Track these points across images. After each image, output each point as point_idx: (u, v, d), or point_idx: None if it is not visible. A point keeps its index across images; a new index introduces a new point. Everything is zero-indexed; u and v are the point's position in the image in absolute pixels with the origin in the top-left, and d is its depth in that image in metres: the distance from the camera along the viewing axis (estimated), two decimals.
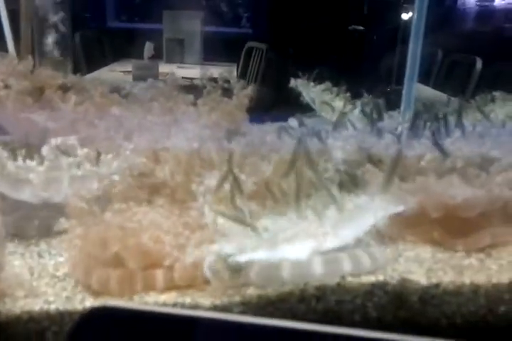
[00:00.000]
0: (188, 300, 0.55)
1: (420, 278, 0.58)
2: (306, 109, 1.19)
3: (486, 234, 0.65)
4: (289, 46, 3.84)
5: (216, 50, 3.22)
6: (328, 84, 1.19)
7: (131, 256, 0.56)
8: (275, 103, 2.57)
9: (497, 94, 1.03)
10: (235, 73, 2.88)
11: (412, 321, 0.57)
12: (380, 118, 0.89)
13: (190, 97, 0.92)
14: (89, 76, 2.35)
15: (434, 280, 0.58)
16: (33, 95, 0.95)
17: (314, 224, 0.57)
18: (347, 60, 3.68)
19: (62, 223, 0.55)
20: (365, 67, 3.08)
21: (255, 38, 3.55)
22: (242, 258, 0.53)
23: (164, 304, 0.55)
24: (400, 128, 0.89)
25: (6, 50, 1.21)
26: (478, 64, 2.57)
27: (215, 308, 0.55)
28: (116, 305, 0.40)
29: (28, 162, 0.64)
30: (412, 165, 0.73)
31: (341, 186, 0.66)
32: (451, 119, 0.86)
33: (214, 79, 0.94)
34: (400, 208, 0.57)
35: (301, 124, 0.97)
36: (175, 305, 0.55)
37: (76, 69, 1.59)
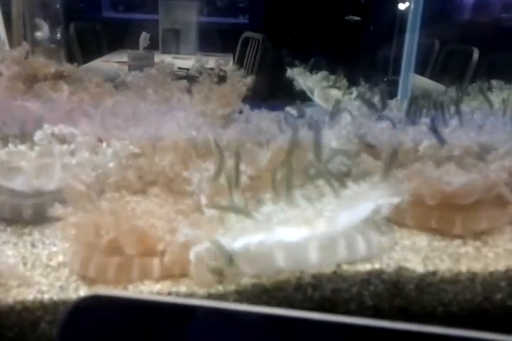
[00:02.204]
0: (183, 289, 0.55)
1: (417, 266, 0.58)
2: (302, 99, 1.18)
3: (483, 218, 0.64)
4: (286, 36, 3.82)
5: (212, 40, 3.19)
6: (324, 73, 1.18)
7: (126, 242, 0.55)
8: (272, 93, 2.56)
9: (494, 82, 1.02)
10: (231, 62, 2.86)
11: (409, 309, 0.57)
12: (384, 105, 0.88)
13: (185, 83, 0.91)
14: (84, 66, 2.33)
15: (430, 268, 0.57)
16: (25, 83, 0.93)
17: (309, 211, 0.56)
18: (344, 50, 3.66)
19: (57, 208, 0.55)
20: (362, 57, 3.06)
21: (251, 28, 3.52)
22: (236, 244, 0.53)
23: (159, 293, 0.54)
24: (397, 116, 0.88)
25: None
26: (475, 54, 2.55)
27: (209, 297, 0.54)
28: (107, 293, 0.40)
29: (20, 147, 0.63)
30: (409, 152, 0.72)
31: (337, 176, 0.66)
32: (449, 107, 0.85)
33: (210, 69, 0.93)
34: (397, 199, 0.57)
35: (299, 113, 0.96)
36: (170, 293, 0.54)
37: (71, 60, 1.57)
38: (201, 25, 3.27)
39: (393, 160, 0.63)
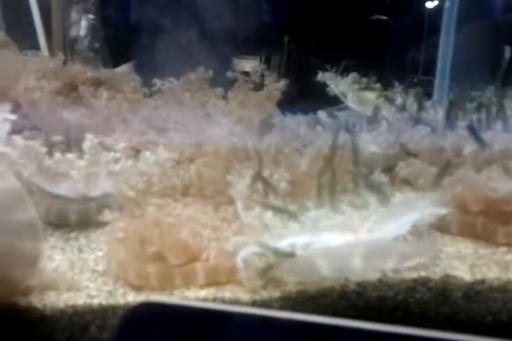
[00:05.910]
0: (227, 294, 0.55)
1: (464, 274, 0.57)
2: (332, 101, 1.17)
3: None
4: (311, 37, 3.80)
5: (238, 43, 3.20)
6: (354, 75, 1.17)
7: (170, 254, 0.56)
8: (299, 95, 2.55)
9: None
10: (263, 67, 2.86)
11: (456, 318, 0.56)
12: (421, 108, 0.87)
13: (221, 90, 0.92)
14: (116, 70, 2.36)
15: (478, 277, 0.56)
16: (63, 91, 0.96)
17: (354, 218, 0.56)
18: (370, 50, 3.62)
19: (106, 214, 0.56)
20: (390, 57, 3.02)
21: (277, 30, 3.51)
22: (282, 243, 0.53)
23: (204, 299, 0.55)
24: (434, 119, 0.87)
25: (38, 47, 1.22)
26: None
27: (254, 303, 0.54)
28: (160, 300, 0.40)
29: (68, 156, 0.64)
30: (451, 158, 0.71)
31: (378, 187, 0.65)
32: (489, 109, 0.84)
33: (246, 73, 0.93)
34: (444, 210, 0.56)
35: (331, 117, 0.96)
36: (214, 300, 0.55)
37: (104, 65, 1.60)
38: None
39: (446, 171, 0.62)
